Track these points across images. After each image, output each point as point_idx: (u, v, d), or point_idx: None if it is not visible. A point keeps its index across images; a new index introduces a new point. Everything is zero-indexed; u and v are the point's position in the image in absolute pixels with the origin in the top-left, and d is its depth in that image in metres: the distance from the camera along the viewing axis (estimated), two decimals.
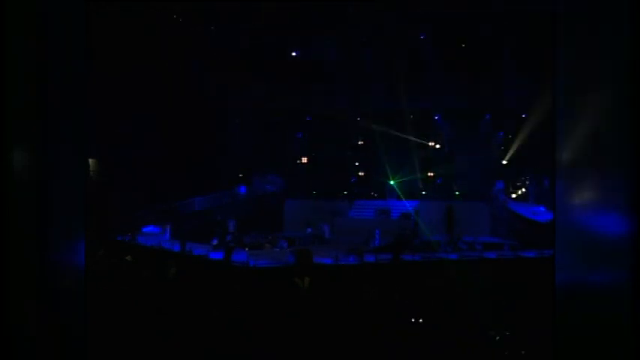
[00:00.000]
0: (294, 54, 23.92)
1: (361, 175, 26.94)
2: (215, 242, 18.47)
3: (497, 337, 7.37)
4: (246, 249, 17.59)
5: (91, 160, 17.47)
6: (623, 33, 2.95)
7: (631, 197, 2.98)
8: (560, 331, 3.22)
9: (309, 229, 21.36)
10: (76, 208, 3.26)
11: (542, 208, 19.78)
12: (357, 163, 27.13)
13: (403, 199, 24.41)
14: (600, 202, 3.18)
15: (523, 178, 24.06)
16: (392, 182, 25.37)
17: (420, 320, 8.02)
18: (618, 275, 3.09)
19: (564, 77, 3.20)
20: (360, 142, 26.86)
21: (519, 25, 19.22)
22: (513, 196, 23.81)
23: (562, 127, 3.21)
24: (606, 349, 3.15)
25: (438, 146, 26.27)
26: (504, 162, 24.33)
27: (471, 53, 21.62)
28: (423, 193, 25.22)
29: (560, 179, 3.27)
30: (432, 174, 26.15)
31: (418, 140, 25.69)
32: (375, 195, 25.48)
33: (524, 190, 23.74)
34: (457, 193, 24.71)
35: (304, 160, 27.26)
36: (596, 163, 3.16)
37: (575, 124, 3.16)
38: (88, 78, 3.29)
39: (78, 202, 3.26)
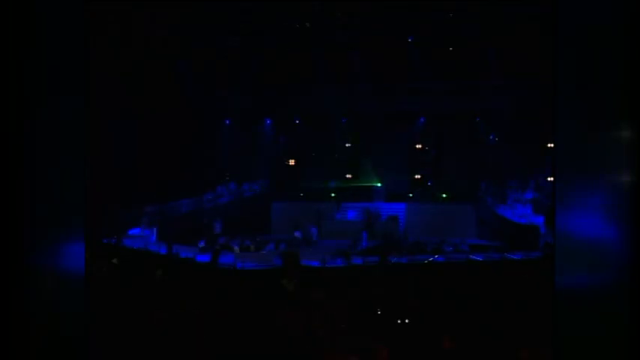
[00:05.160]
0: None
1: (349, 178, 26.92)
2: (202, 245, 18.37)
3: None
4: (234, 251, 17.50)
5: None
6: (621, 33, 2.98)
7: (630, 201, 3.01)
8: (560, 332, 3.24)
9: (297, 232, 21.26)
10: (76, 211, 3.22)
11: (528, 211, 19.96)
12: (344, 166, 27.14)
13: (390, 202, 24.47)
14: (600, 206, 3.21)
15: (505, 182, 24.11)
16: (379, 184, 25.44)
17: (406, 321, 8.06)
18: (617, 278, 3.12)
19: (564, 78, 3.22)
20: (347, 145, 26.85)
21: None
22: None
23: (562, 129, 3.22)
24: (606, 351, 3.18)
25: (426, 148, 26.33)
26: (492, 165, 24.41)
27: (459, 55, 21.74)
28: (410, 195, 25.27)
29: (560, 183, 3.29)
30: (419, 176, 26.22)
31: (406, 142, 25.83)
32: (362, 197, 25.48)
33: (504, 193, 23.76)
34: (444, 195, 24.79)
35: (292, 162, 27.23)
36: (595, 166, 3.18)
37: (576, 126, 3.18)
38: (87, 79, 3.25)
39: (77, 205, 3.22)
